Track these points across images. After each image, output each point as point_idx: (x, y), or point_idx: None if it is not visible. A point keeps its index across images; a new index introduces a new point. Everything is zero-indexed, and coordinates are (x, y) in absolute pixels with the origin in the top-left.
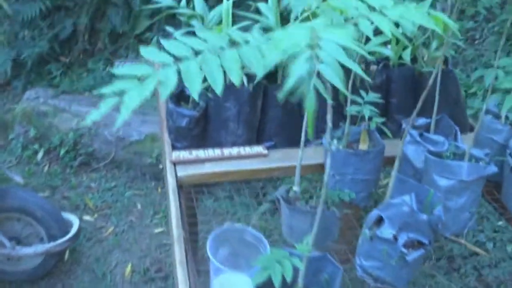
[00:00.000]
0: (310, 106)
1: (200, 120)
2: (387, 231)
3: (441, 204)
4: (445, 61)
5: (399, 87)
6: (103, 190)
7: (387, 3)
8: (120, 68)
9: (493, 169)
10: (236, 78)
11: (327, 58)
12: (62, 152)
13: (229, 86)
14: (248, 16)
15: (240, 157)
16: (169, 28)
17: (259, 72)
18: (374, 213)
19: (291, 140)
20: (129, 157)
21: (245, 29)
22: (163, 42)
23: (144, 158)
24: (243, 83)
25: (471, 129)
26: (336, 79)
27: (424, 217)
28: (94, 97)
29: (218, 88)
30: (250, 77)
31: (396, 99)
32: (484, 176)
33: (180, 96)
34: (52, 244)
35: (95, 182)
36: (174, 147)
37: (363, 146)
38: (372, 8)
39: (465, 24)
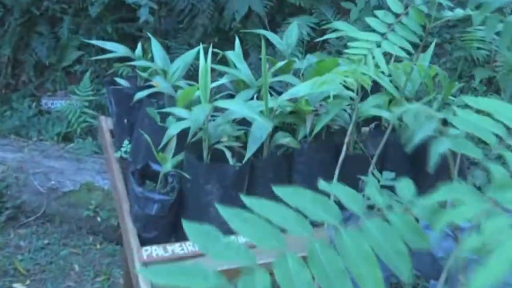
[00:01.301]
0: None
1: (174, 206)
2: None
3: None
4: None
5: (396, 153)
6: (35, 250)
7: None
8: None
9: None
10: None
11: None
12: None
13: (209, 164)
14: (216, 68)
15: None
16: (120, 81)
17: (406, 278)
18: None
19: None
20: (63, 209)
21: (222, 89)
22: (225, 214)
23: (79, 210)
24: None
25: None
26: None
27: None
28: (21, 141)
29: None
30: (235, 151)
31: (392, 166)
32: None
33: (144, 172)
34: None
35: (25, 240)
36: (141, 238)
37: None
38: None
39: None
